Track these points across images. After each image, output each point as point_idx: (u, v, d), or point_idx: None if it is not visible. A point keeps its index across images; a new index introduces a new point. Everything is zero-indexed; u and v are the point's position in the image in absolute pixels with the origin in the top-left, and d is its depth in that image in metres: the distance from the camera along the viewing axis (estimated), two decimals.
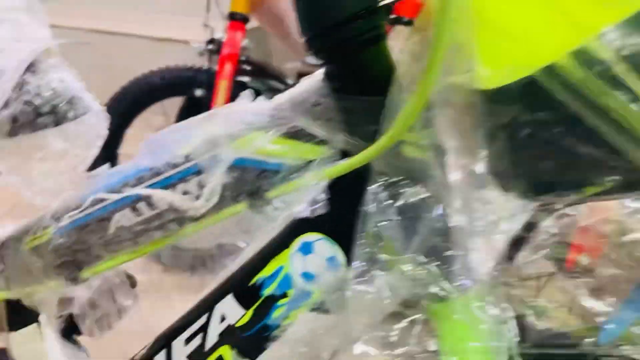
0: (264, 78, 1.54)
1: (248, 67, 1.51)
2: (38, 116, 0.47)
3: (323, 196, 0.40)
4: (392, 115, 0.37)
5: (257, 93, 1.48)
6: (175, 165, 0.47)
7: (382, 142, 0.36)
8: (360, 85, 0.40)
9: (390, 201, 0.39)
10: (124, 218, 0.50)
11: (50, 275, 0.54)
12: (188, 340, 0.54)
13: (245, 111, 0.43)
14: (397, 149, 0.41)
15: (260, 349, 0.50)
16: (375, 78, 0.40)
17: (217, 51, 1.44)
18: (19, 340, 0.61)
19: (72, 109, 0.48)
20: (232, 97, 1.45)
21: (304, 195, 0.43)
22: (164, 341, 0.56)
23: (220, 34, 1.47)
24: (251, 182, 0.46)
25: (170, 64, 1.53)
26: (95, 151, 0.52)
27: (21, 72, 0.46)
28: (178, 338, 0.55)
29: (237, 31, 1.45)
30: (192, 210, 0.44)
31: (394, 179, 0.40)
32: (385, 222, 0.39)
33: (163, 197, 0.44)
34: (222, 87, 1.41)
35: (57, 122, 0.48)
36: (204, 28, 1.44)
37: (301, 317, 0.45)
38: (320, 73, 0.43)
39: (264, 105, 0.44)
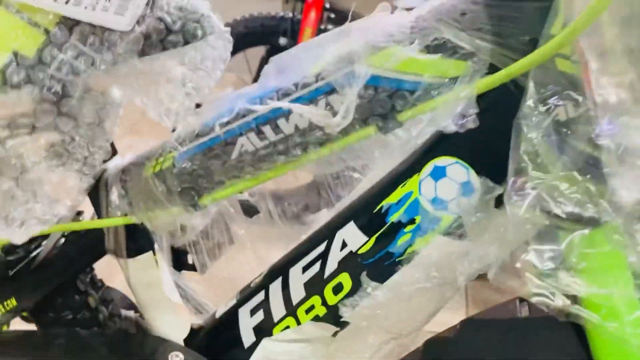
0: None
1: (331, 15, 1.48)
2: (169, 33, 0.47)
3: (472, 111, 0.38)
4: (562, 18, 0.34)
5: None
6: (304, 86, 0.46)
7: (549, 47, 0.33)
8: None
9: (545, 117, 0.37)
10: (248, 142, 0.50)
11: (172, 201, 0.55)
12: (306, 268, 0.54)
13: (385, 23, 0.41)
14: (551, 62, 0.38)
15: (382, 276, 0.49)
16: None
17: None
18: (135, 267, 0.62)
19: (200, 28, 0.48)
20: None
21: (442, 115, 0.41)
22: (280, 269, 0.57)
23: None
24: (384, 102, 0.44)
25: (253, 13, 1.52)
26: (219, 74, 0.51)
27: None
28: (295, 266, 0.55)
29: None
30: (328, 127, 0.43)
31: (548, 93, 0.37)
32: (539, 138, 0.36)
33: (303, 112, 0.43)
34: (307, 35, 1.39)
35: (186, 41, 0.48)
36: None
37: (434, 241, 0.44)
38: None
39: (404, 16, 0.42)
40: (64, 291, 0.70)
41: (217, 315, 0.63)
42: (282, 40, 1.45)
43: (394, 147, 0.47)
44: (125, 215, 0.57)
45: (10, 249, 0.62)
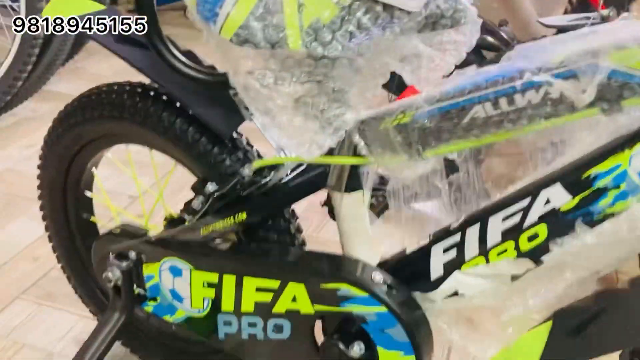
0: (482, 34, 1.63)
1: None
2: (441, 18, 0.61)
3: None
4: None
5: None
6: (547, 70, 0.58)
7: None
8: None
9: None
10: (482, 110, 0.63)
11: (404, 150, 0.68)
12: (506, 218, 0.67)
13: (633, 28, 0.53)
14: None
15: (576, 225, 0.61)
16: None
17: None
18: (348, 201, 0.77)
19: (463, 17, 0.61)
20: None
21: None
22: (480, 216, 0.70)
23: None
24: (613, 90, 0.56)
25: None
26: (463, 56, 0.65)
27: None
28: (495, 215, 0.68)
29: None
30: (577, 101, 0.55)
31: None
32: None
33: (562, 87, 0.55)
34: None
35: (452, 25, 0.61)
36: None
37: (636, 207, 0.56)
38: None
39: None
40: (274, 216, 0.86)
41: (407, 252, 0.77)
42: None
43: (605, 127, 0.60)
44: (360, 157, 0.71)
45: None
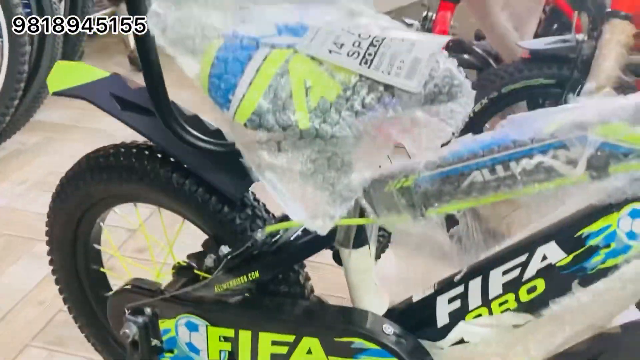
0: (461, 53, 1.69)
1: (450, 43, 1.66)
2: (439, 94, 0.65)
3: None
4: None
5: None
6: (539, 140, 0.63)
7: None
8: None
9: None
10: (480, 175, 0.68)
11: (408, 211, 0.73)
12: (506, 271, 0.72)
13: (614, 104, 0.58)
14: None
15: (572, 285, 0.66)
16: None
17: (430, 29, 1.59)
18: (356, 256, 0.81)
19: (459, 92, 0.66)
20: None
21: None
22: (481, 270, 0.75)
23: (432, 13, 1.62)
24: (601, 159, 0.61)
25: None
26: (460, 125, 0.69)
27: (433, 61, 0.64)
28: (496, 269, 0.73)
29: (447, 11, 1.59)
30: (568, 175, 0.60)
31: None
32: None
33: (553, 164, 0.60)
34: None
35: (449, 99, 0.66)
36: (421, 7, 1.60)
37: (633, 263, 0.61)
38: None
39: (629, 100, 0.59)
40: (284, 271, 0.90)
41: (414, 299, 0.82)
42: None
43: (594, 190, 0.65)
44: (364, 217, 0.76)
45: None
